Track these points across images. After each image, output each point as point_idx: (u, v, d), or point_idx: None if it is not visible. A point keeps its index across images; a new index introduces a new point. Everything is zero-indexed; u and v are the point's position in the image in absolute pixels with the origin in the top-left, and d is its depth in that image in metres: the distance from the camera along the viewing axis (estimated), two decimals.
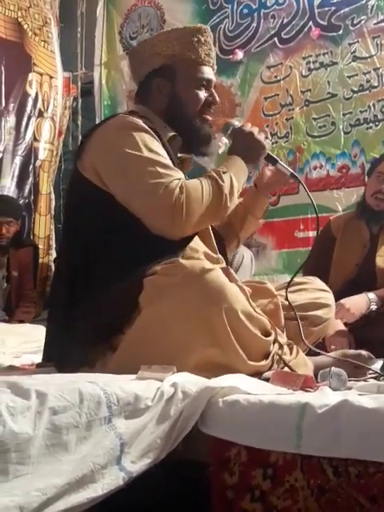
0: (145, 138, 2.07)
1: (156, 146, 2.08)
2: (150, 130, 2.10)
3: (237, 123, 2.30)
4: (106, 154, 2.08)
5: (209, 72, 2.26)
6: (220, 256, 2.21)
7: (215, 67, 2.31)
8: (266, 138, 2.32)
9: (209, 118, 2.27)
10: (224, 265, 2.10)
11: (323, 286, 2.39)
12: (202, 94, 2.24)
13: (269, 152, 2.27)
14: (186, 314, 1.81)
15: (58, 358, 2.03)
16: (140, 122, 2.10)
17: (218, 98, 2.28)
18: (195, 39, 2.23)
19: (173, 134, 2.21)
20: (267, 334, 1.94)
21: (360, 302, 3.05)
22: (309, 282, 2.37)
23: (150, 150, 2.05)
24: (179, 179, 2.02)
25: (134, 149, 2.04)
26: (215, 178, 2.07)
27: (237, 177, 2.12)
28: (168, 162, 2.07)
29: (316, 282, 2.40)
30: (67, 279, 2.08)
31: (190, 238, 2.08)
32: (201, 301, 1.81)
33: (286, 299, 2.15)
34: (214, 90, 2.28)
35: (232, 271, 2.00)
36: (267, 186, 2.42)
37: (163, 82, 2.23)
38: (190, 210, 1.98)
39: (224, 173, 2.09)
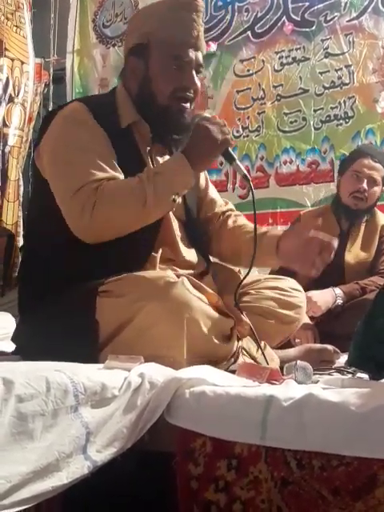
0: (81, 135, 1.98)
1: (93, 142, 1.97)
2: (93, 123, 1.99)
3: (206, 115, 2.07)
4: (47, 146, 2.04)
5: (187, 52, 2.04)
6: (190, 259, 2.13)
7: (202, 48, 2.09)
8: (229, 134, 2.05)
9: (184, 105, 2.06)
10: (190, 271, 2.04)
11: (297, 285, 2.37)
12: (175, 77, 2.03)
13: (228, 148, 2.04)
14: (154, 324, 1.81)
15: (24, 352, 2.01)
16: (84, 113, 2.01)
17: (196, 82, 2.06)
18: (175, 16, 2.03)
19: (133, 121, 2.08)
20: (230, 336, 1.95)
21: (326, 296, 3.08)
22: (282, 280, 2.35)
23: (82, 148, 1.96)
24: (101, 180, 1.92)
25: (67, 145, 1.98)
26: (141, 180, 1.93)
27: (169, 179, 1.95)
28: (99, 159, 1.95)
29: (290, 281, 2.38)
30: (28, 279, 2.09)
31: (148, 248, 2.02)
32: (165, 315, 1.80)
33: (235, 302, 2.02)
34: (194, 74, 2.06)
35: (194, 280, 1.95)
36: (288, 257, 2.07)
37: (137, 62, 2.08)
38: (98, 213, 1.88)
39: (156, 173, 1.94)
